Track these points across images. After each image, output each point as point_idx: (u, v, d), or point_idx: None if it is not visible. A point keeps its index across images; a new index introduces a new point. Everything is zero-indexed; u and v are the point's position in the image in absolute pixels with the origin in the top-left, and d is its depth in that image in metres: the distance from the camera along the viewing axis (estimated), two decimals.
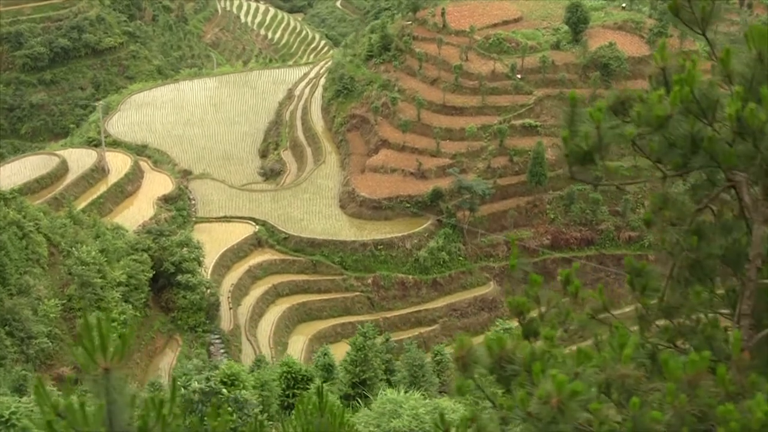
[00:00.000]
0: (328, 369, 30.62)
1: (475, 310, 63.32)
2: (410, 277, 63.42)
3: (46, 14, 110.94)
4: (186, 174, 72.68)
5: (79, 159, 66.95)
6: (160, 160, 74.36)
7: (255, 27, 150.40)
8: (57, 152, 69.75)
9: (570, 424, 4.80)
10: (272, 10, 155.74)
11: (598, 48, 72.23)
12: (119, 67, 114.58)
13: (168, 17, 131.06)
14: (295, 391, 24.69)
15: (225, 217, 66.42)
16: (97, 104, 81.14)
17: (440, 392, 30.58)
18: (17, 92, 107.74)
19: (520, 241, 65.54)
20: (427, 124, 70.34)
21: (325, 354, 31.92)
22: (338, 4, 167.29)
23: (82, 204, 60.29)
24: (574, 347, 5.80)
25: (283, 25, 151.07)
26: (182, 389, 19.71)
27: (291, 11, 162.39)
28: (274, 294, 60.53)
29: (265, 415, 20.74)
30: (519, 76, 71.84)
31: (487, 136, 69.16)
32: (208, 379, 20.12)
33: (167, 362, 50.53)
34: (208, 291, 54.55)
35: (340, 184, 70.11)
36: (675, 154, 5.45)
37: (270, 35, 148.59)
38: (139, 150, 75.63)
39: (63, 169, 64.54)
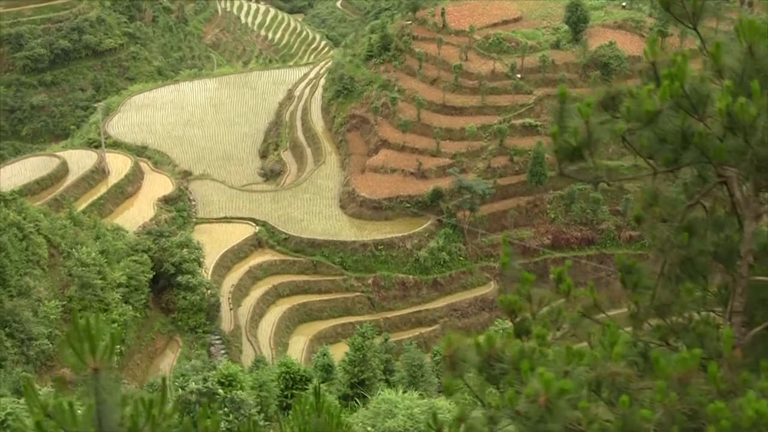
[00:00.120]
0: (327, 369, 30.57)
1: (476, 310, 63.24)
2: (411, 277, 63.35)
3: (46, 16, 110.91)
4: (186, 175, 72.62)
5: (80, 160, 66.92)
6: (161, 161, 74.32)
7: (255, 28, 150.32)
8: (57, 153, 69.71)
9: (558, 422, 4.75)
10: (272, 11, 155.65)
11: (598, 47, 72.14)
12: (119, 69, 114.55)
13: (168, 18, 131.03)
14: (294, 391, 24.63)
15: (225, 217, 66.37)
16: (97, 105, 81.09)
17: (439, 392, 30.53)
18: (18, 94, 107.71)
19: (520, 241, 65.47)
20: (427, 124, 70.26)
21: (324, 354, 31.87)
22: (338, 4, 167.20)
23: (82, 205, 60.26)
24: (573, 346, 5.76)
25: (283, 26, 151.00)
26: (179, 390, 19.69)
27: (291, 12, 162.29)
28: (275, 294, 60.47)
29: (262, 415, 20.68)
30: (519, 75, 71.76)
31: (487, 135, 69.09)
32: (205, 380, 20.08)
33: (168, 363, 50.47)
34: (209, 292, 54.49)
35: (341, 185, 70.05)
36: (665, 150, 5.40)
37: (270, 36, 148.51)
38: (139, 151, 75.59)
39: (63, 170, 64.51)
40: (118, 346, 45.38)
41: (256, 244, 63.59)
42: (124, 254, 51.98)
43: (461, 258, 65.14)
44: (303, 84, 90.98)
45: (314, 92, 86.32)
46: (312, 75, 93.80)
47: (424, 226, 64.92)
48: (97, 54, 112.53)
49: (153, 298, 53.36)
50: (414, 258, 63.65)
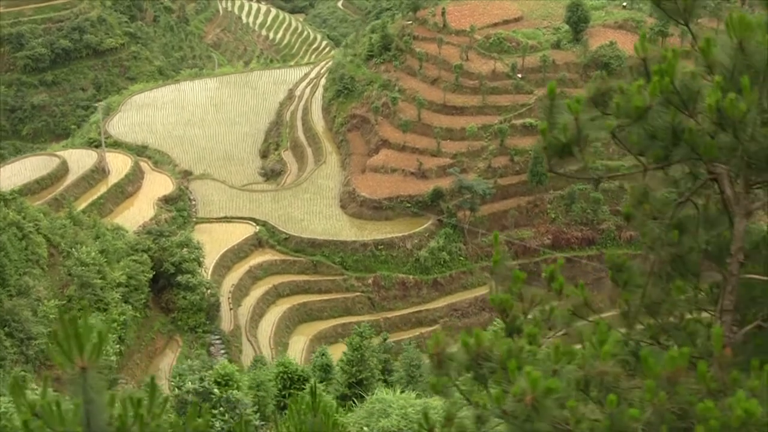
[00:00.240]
0: (325, 369, 30.52)
1: (476, 310, 63.16)
2: (411, 277, 63.29)
3: (47, 15, 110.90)
4: (186, 174, 72.60)
5: (80, 160, 66.89)
6: (161, 161, 74.30)
7: (256, 28, 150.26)
8: (57, 153, 69.69)
9: (546, 422, 4.69)
10: (273, 11, 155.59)
11: (599, 47, 72.07)
12: (120, 68, 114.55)
13: (169, 18, 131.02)
14: (292, 391, 24.57)
15: (225, 217, 66.33)
16: (97, 105, 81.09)
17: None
18: (18, 93, 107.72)
19: (521, 241, 65.44)
20: (427, 123, 70.20)
21: (323, 354, 31.81)
22: (340, 4, 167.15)
23: (82, 205, 60.21)
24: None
25: (284, 26, 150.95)
26: (176, 389, 19.62)
27: (292, 12, 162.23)
28: (275, 294, 60.43)
29: (258, 414, 20.64)
30: (519, 75, 71.69)
31: (487, 135, 69.02)
32: (202, 380, 20.02)
33: (167, 363, 50.42)
34: (208, 291, 54.45)
35: (341, 184, 70.01)
36: (656, 147, 5.34)
37: (271, 36, 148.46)
38: (139, 150, 75.58)
39: (63, 169, 64.48)
40: (118, 346, 45.38)
41: (256, 243, 63.56)
42: (124, 254, 51.94)
43: (461, 258, 65.08)
44: (304, 84, 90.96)
45: (315, 92, 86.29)
46: (313, 75, 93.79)
47: (425, 226, 64.87)
48: (97, 54, 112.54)
49: (153, 298, 53.32)
50: (414, 258, 63.60)
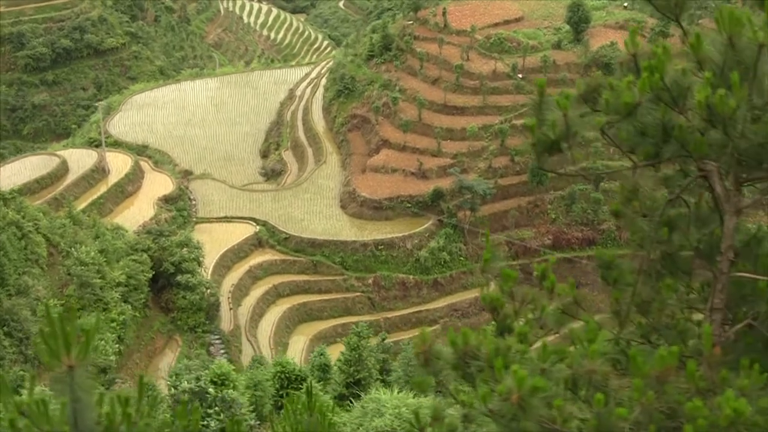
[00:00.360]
0: (324, 369, 30.48)
1: (476, 310, 63.04)
2: (411, 277, 63.22)
3: (48, 15, 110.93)
4: (186, 174, 72.57)
5: (80, 159, 66.85)
6: (161, 161, 74.27)
7: (258, 27, 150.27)
8: (57, 153, 69.66)
9: (532, 421, 4.64)
10: (275, 11, 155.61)
11: (600, 47, 71.99)
12: (121, 68, 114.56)
13: (170, 18, 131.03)
14: (289, 390, 24.51)
15: (225, 217, 66.28)
16: (98, 105, 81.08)
17: (437, 392, 30.42)
18: (19, 93, 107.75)
19: (521, 241, 65.38)
20: (428, 123, 70.15)
21: (321, 354, 31.77)
22: (341, 4, 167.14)
23: (82, 204, 60.17)
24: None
25: (285, 26, 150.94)
26: (173, 389, 19.58)
27: (294, 12, 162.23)
28: (275, 294, 60.37)
29: (255, 414, 20.59)
30: (520, 75, 71.61)
31: (488, 135, 68.96)
32: (198, 379, 19.98)
33: (167, 362, 50.34)
34: (208, 291, 54.39)
35: (341, 184, 69.96)
36: (646, 144, 5.29)
37: (273, 36, 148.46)
38: (139, 150, 75.56)
39: (63, 169, 64.44)
40: (117, 346, 45.33)
41: (256, 243, 63.51)
42: (124, 253, 51.89)
43: (462, 258, 65.00)
44: (304, 84, 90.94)
45: (315, 92, 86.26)
46: (313, 75, 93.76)
47: (425, 226, 64.80)
48: (98, 53, 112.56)
49: (152, 298, 53.27)
50: (414, 258, 63.54)
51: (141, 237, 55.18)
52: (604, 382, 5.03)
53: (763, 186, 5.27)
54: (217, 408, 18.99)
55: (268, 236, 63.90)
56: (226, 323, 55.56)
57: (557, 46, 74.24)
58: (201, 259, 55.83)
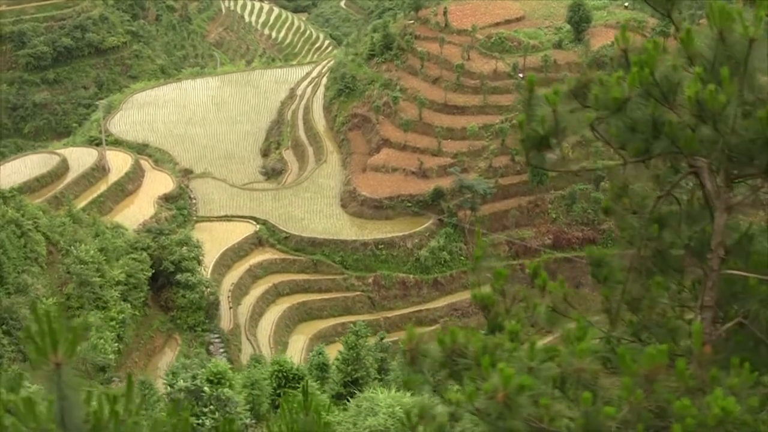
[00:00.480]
0: (322, 368, 30.45)
1: (477, 309, 62.44)
2: (411, 276, 63.17)
3: (49, 14, 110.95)
4: (187, 173, 72.55)
5: (80, 158, 66.84)
6: (161, 159, 74.25)
7: (259, 27, 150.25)
8: (57, 151, 69.68)
9: (518, 419, 4.58)
10: (276, 10, 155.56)
11: (601, 47, 71.84)
12: (122, 67, 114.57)
13: (171, 17, 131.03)
14: (287, 389, 24.48)
15: (226, 216, 66.25)
16: (98, 103, 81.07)
17: (434, 391, 30.32)
18: (20, 91, 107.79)
19: (521, 241, 65.30)
20: (428, 123, 70.10)
21: (320, 353, 31.74)
22: (342, 3, 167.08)
23: (82, 203, 60.15)
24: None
25: (287, 25, 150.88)
26: (169, 387, 19.54)
27: (295, 11, 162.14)
28: (275, 293, 60.34)
29: (251, 413, 20.54)
30: (521, 75, 71.47)
31: (488, 135, 68.88)
32: (194, 378, 19.94)
33: (166, 362, 50.28)
34: (208, 290, 54.33)
35: (342, 184, 69.91)
36: (636, 140, 5.23)
37: (274, 35, 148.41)
38: (140, 149, 75.54)
39: (63, 167, 64.42)
40: (116, 344, 45.29)
41: (256, 242, 63.48)
42: (124, 252, 51.86)
43: (462, 257, 64.90)
44: (305, 83, 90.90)
45: (316, 91, 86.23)
46: (314, 74, 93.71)
47: (425, 225, 64.74)
48: (99, 52, 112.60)
49: (152, 296, 53.24)
50: (415, 257, 63.48)
51: (141, 235, 55.14)
52: (593, 380, 4.98)
53: (755, 183, 5.21)
54: (212, 407, 18.95)
55: (268, 235, 63.86)
56: (225, 322, 55.52)
57: (558, 45, 74.15)
58: (201, 257, 55.81)
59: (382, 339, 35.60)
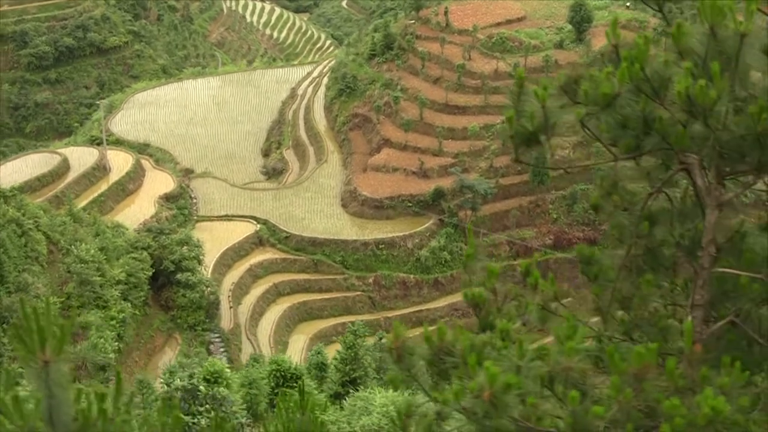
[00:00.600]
0: (321, 368, 30.42)
1: None
2: (412, 276, 63.13)
3: (51, 13, 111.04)
4: (188, 173, 72.58)
5: (81, 157, 66.89)
6: (162, 159, 74.27)
7: (260, 27, 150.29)
8: (58, 150, 69.76)
9: (505, 418, 4.52)
10: (278, 10, 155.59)
11: (602, 47, 71.75)
12: (124, 67, 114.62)
13: (173, 17, 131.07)
14: (284, 389, 24.43)
15: (226, 215, 66.26)
16: (99, 103, 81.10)
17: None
18: (22, 91, 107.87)
19: (522, 241, 65.22)
20: (429, 123, 70.06)
21: (319, 353, 31.71)
22: (344, 3, 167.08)
23: (83, 202, 60.19)
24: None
25: (288, 25, 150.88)
26: (165, 386, 19.52)
27: (296, 11, 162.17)
28: (275, 293, 60.33)
29: (248, 412, 20.49)
30: None
31: (489, 135, 68.78)
32: (191, 377, 19.91)
33: (166, 361, 50.21)
34: (208, 290, 54.33)
35: (342, 183, 69.89)
36: (627, 136, 5.17)
37: (275, 35, 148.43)
38: (141, 149, 75.58)
39: (64, 167, 64.46)
40: (117, 344, 45.25)
41: (257, 242, 63.48)
42: (124, 251, 51.86)
43: (463, 258, 64.79)
44: (306, 83, 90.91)
45: (317, 91, 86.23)
46: (315, 74, 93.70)
47: (426, 225, 64.70)
48: (101, 52, 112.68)
49: (152, 296, 53.25)
50: (415, 257, 63.44)
51: (141, 235, 55.16)
52: (581, 379, 4.91)
53: (746, 180, 5.15)
54: (207, 406, 18.91)
55: (268, 235, 63.86)
56: (226, 322, 55.51)
57: (559, 45, 74.08)
58: (201, 257, 55.82)
59: (381, 339, 35.52)
